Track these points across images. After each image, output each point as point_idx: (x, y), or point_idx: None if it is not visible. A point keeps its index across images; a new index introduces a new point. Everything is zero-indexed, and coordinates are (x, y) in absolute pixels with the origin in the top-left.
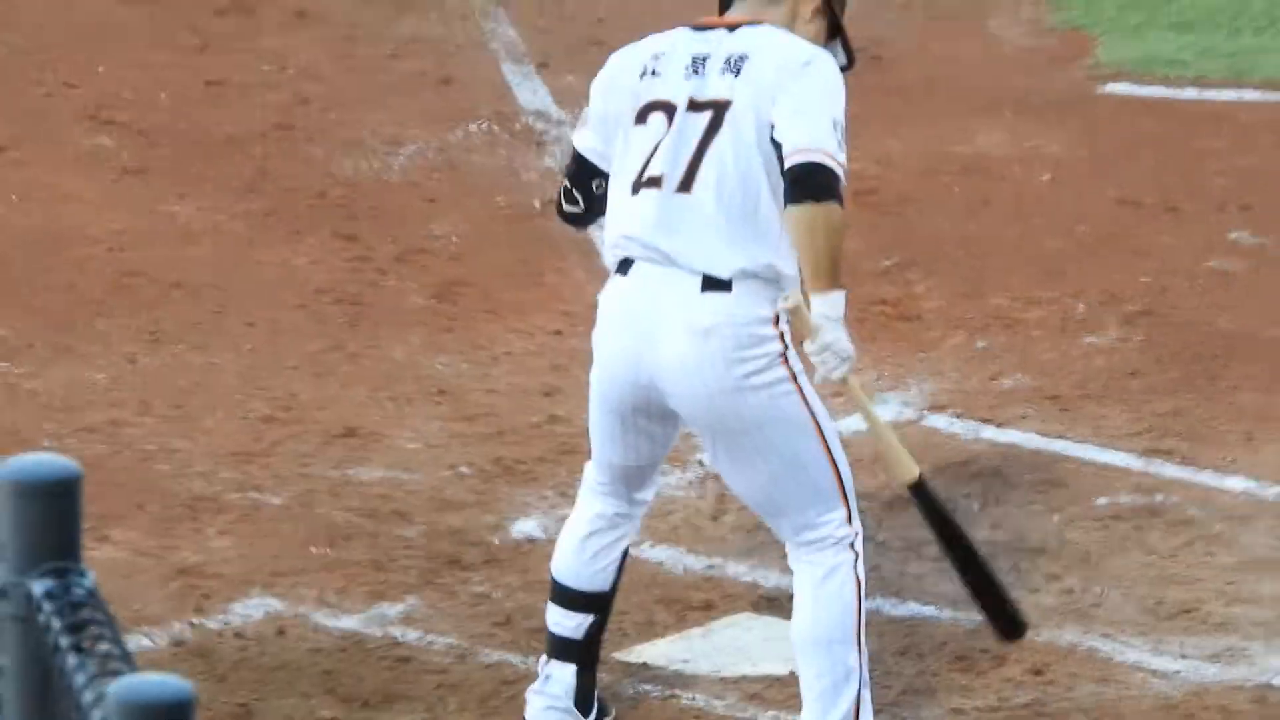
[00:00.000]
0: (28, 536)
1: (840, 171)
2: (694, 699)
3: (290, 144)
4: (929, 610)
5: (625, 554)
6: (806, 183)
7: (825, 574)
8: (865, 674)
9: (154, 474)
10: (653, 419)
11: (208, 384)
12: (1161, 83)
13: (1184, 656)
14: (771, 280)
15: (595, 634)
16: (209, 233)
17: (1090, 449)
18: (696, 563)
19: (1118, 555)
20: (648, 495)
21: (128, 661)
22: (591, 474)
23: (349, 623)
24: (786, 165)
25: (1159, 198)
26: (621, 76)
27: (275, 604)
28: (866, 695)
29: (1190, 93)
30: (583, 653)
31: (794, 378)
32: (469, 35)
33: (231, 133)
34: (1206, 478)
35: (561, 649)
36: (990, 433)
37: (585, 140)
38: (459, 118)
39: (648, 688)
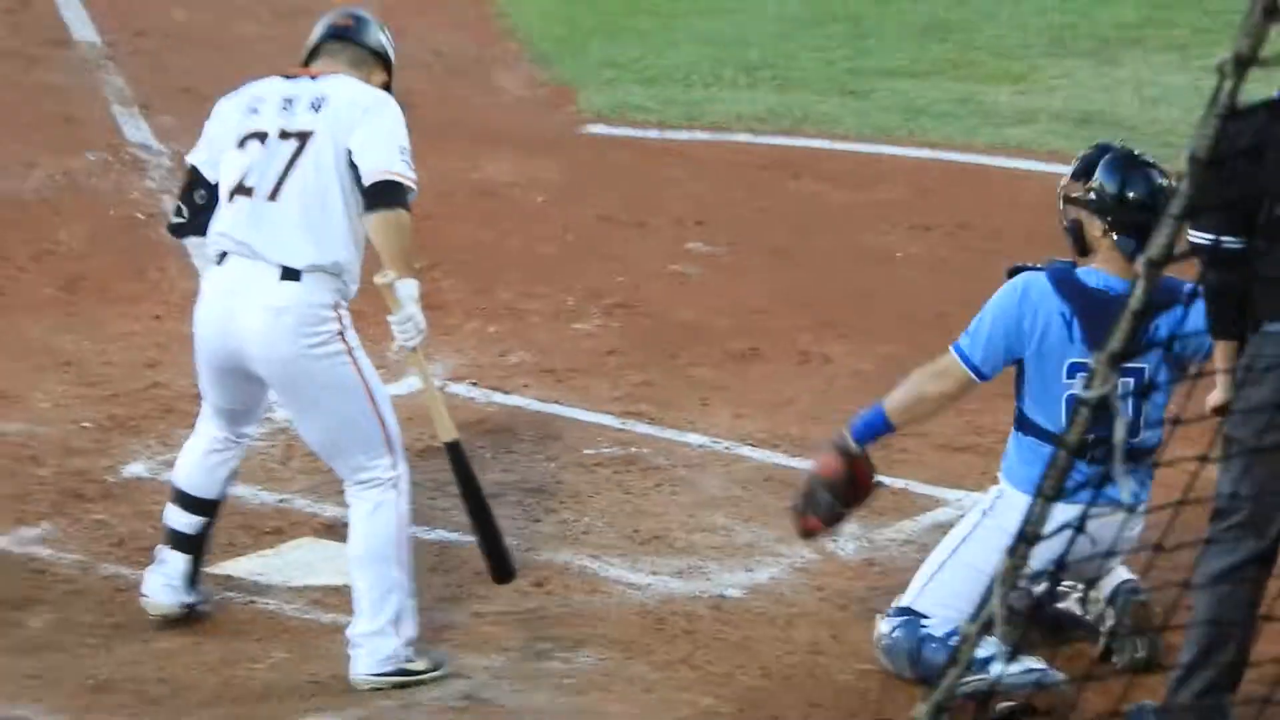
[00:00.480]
0: None
1: (409, 183)
2: (269, 604)
3: None
4: (453, 536)
5: (233, 473)
6: (382, 195)
7: (373, 507)
8: (409, 586)
9: None
10: (238, 377)
11: None
12: (631, 125)
13: (655, 573)
14: (336, 274)
15: (205, 531)
16: None
17: (578, 411)
18: (270, 497)
19: (602, 494)
20: (250, 430)
21: None
22: (205, 408)
23: None
24: (365, 183)
25: (631, 215)
26: (230, 112)
27: None
28: (410, 603)
29: (654, 133)
30: (194, 546)
31: (349, 351)
32: (87, 83)
33: None
34: (671, 434)
35: (178, 541)
36: (500, 398)
37: (199, 156)
38: (79, 148)
39: (231, 594)
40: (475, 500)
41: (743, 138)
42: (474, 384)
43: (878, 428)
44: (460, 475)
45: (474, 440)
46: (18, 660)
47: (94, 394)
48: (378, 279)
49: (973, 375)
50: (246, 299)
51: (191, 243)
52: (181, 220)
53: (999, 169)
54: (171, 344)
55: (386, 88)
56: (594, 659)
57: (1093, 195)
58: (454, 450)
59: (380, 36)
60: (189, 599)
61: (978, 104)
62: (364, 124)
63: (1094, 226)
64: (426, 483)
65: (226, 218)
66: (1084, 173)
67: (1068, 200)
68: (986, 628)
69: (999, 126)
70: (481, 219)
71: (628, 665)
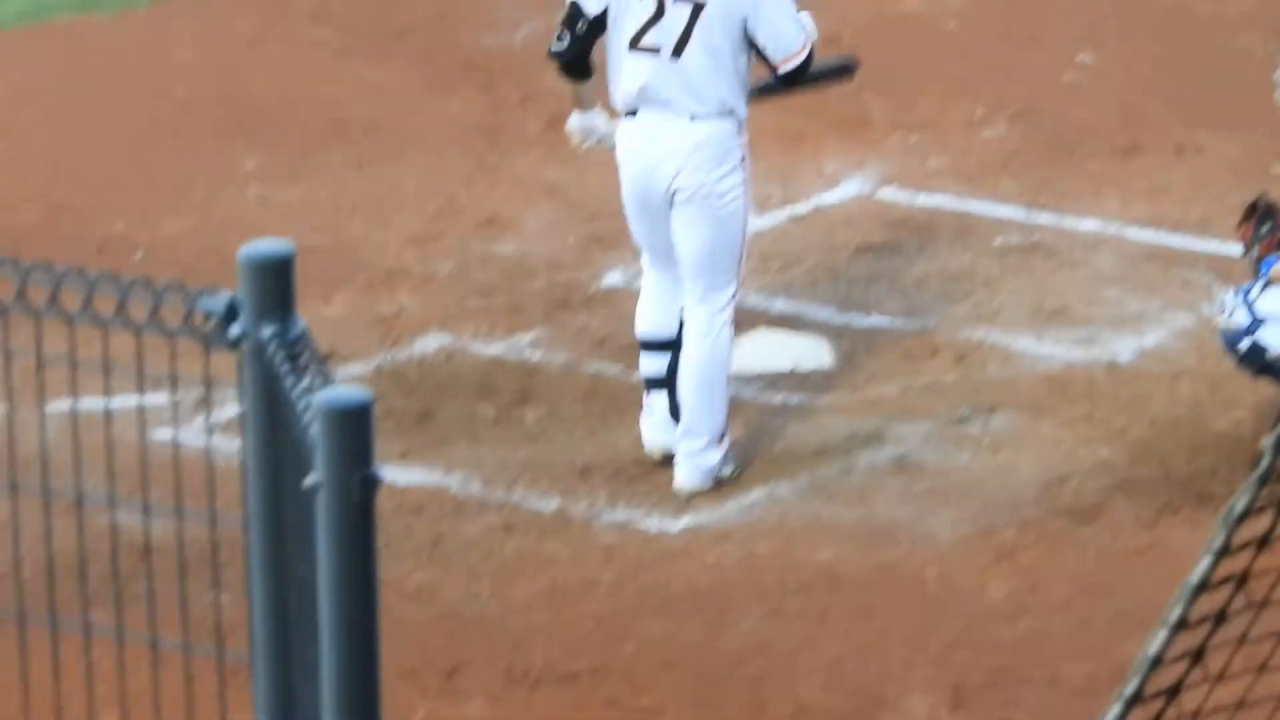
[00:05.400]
0: (258, 298)
1: (805, 54)
2: (729, 388)
3: (444, 29)
4: (884, 321)
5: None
6: (793, 81)
7: (708, 330)
8: (728, 403)
9: (361, 255)
10: (663, 212)
11: (396, 193)
12: None
13: (1057, 343)
14: (730, 112)
15: (674, 368)
16: (392, 87)
17: (989, 205)
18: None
19: (1011, 277)
20: None
21: (328, 379)
22: (645, 258)
23: (495, 348)
24: (779, 72)
25: (1028, 34)
26: None
27: (445, 338)
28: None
29: None
30: (670, 383)
31: (745, 181)
32: None
33: (407, 22)
34: (1069, 221)
35: (655, 384)
36: (922, 198)
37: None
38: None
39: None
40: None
41: None
42: (899, 187)
43: None
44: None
45: (901, 236)
46: (515, 450)
47: (576, 216)
48: None
49: None
50: (667, 142)
51: (569, 83)
52: (562, 46)
53: None
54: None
55: None
56: (1007, 421)
57: None
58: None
59: None
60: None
61: None
62: (759, 10)
63: None
64: (861, 275)
65: (636, 76)
66: None
67: None
68: None
69: None
70: (901, 45)
71: (1036, 425)
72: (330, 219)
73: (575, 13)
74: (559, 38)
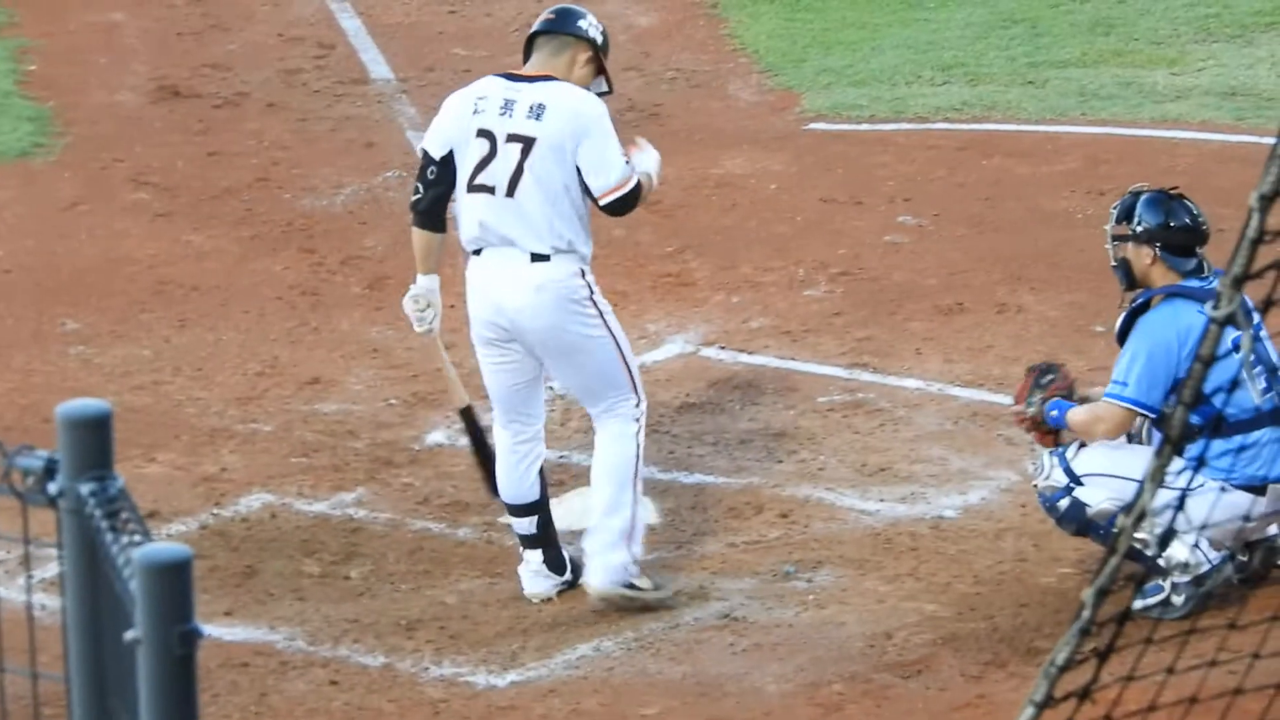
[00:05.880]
0: (77, 455)
1: (632, 184)
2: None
3: (265, 191)
4: (710, 479)
5: (541, 471)
6: (619, 208)
7: (618, 434)
8: (639, 512)
9: (184, 415)
10: (511, 350)
11: (218, 353)
12: (846, 121)
13: (882, 500)
14: (574, 250)
15: (542, 528)
16: (215, 252)
17: (812, 365)
18: (552, 454)
19: (834, 435)
20: (537, 420)
21: (147, 535)
22: (495, 413)
23: (319, 507)
24: (601, 203)
25: (849, 196)
26: (458, 107)
27: (268, 497)
28: (639, 526)
29: (866, 126)
30: (540, 540)
31: (601, 313)
32: (384, 113)
33: (226, 185)
34: (891, 380)
35: (526, 541)
36: (744, 358)
37: (428, 143)
38: (379, 168)
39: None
40: (482, 448)
41: (941, 126)
42: (722, 347)
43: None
44: (470, 431)
45: (724, 395)
46: (339, 607)
47: (398, 375)
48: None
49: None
50: (509, 283)
51: (421, 236)
52: (419, 195)
53: (1159, 138)
54: (463, 327)
55: (598, 66)
56: (832, 577)
57: (1141, 228)
58: (466, 414)
59: (581, 23)
60: (561, 579)
61: (1139, 85)
62: (584, 144)
63: (1142, 256)
64: (684, 434)
65: (473, 214)
66: (1127, 215)
67: (1117, 239)
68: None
69: (1158, 103)
70: (723, 206)
71: (861, 580)
72: (152, 379)
73: (426, 161)
74: (414, 189)
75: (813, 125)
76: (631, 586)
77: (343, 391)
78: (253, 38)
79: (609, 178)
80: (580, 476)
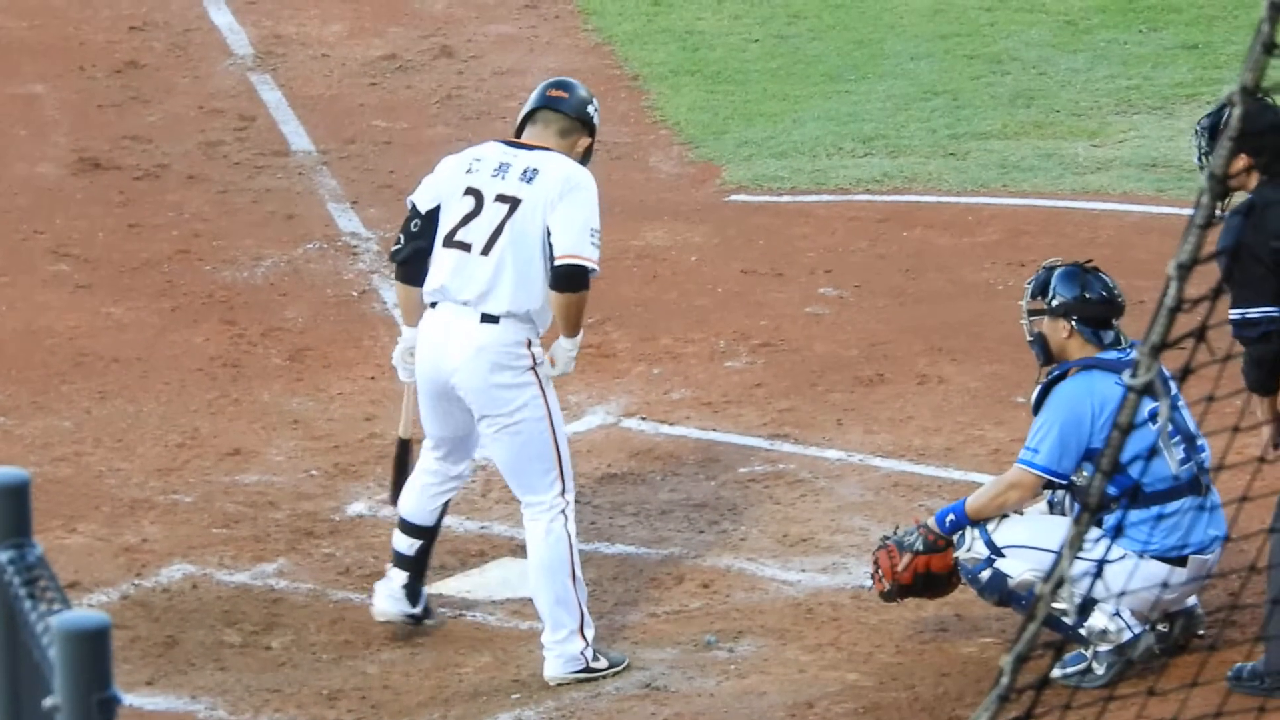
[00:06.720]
0: None
1: (590, 267)
2: (475, 616)
3: (185, 263)
4: (631, 549)
5: (446, 505)
6: (566, 279)
7: (546, 532)
8: (583, 595)
9: (105, 486)
10: (449, 403)
11: (139, 424)
12: (767, 193)
13: (803, 570)
14: (528, 320)
15: (421, 553)
16: (135, 324)
17: (733, 436)
18: (473, 524)
19: (755, 506)
20: (464, 468)
21: (65, 603)
22: (426, 444)
23: (240, 577)
24: (555, 263)
25: (770, 267)
26: (452, 166)
27: (190, 568)
28: (586, 611)
29: (787, 198)
30: (413, 564)
31: (540, 384)
32: (304, 185)
33: (147, 257)
34: (812, 451)
35: (400, 561)
36: (665, 429)
37: (417, 196)
38: (300, 240)
39: (443, 610)
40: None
41: (862, 197)
42: (643, 418)
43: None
44: (399, 460)
45: (645, 466)
46: (260, 677)
47: (319, 446)
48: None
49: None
50: (453, 340)
51: (403, 290)
52: (399, 246)
53: (1081, 210)
54: (385, 400)
55: (589, 149)
56: (754, 647)
57: (1056, 302)
58: (403, 445)
59: (589, 109)
60: (411, 609)
61: (1060, 157)
62: (564, 203)
63: (1059, 330)
64: (606, 505)
65: (443, 269)
66: (1041, 290)
67: (1033, 314)
68: (1057, 587)
69: (1079, 175)
70: (644, 278)
71: (783, 650)
72: (74, 450)
73: (412, 214)
74: (395, 240)
75: (734, 197)
76: (589, 670)
77: (264, 462)
78: (173, 109)
79: (575, 243)
80: (500, 548)
